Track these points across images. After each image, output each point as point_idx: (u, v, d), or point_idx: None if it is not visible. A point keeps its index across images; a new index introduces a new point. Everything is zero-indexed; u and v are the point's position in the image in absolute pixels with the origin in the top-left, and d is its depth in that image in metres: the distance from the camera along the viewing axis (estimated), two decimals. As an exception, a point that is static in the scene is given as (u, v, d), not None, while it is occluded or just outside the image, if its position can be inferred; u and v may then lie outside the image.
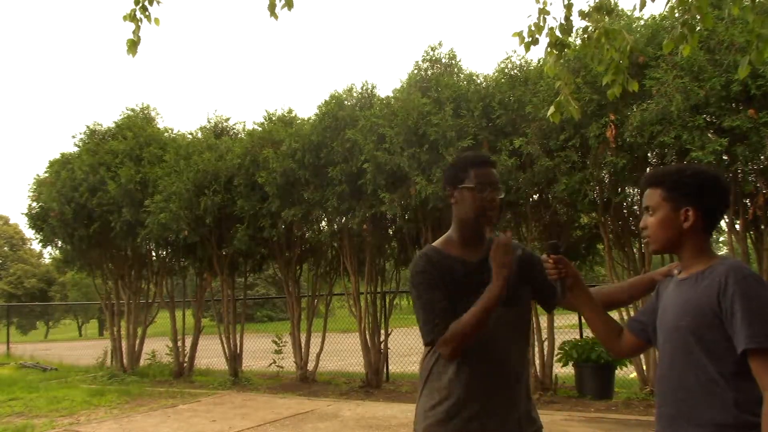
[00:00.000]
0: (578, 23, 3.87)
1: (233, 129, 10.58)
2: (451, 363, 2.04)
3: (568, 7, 3.72)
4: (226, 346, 10.00)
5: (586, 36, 3.78)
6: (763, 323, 1.60)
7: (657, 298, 1.95)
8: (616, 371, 7.46)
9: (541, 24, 3.77)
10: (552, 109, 3.84)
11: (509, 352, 2.09)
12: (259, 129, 9.20)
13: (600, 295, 2.16)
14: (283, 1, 3.68)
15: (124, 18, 3.68)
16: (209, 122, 10.48)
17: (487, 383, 2.02)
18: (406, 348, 11.24)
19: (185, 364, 10.56)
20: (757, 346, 1.59)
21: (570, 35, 3.86)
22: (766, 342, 1.59)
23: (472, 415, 2.01)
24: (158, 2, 3.68)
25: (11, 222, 48.46)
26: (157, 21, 3.74)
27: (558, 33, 3.77)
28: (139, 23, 3.70)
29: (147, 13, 3.70)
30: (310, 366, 9.53)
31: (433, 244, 2.20)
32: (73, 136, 12.22)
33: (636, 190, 7.05)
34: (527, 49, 3.85)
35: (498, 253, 1.96)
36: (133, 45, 3.74)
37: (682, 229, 1.81)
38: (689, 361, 1.73)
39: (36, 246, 40.32)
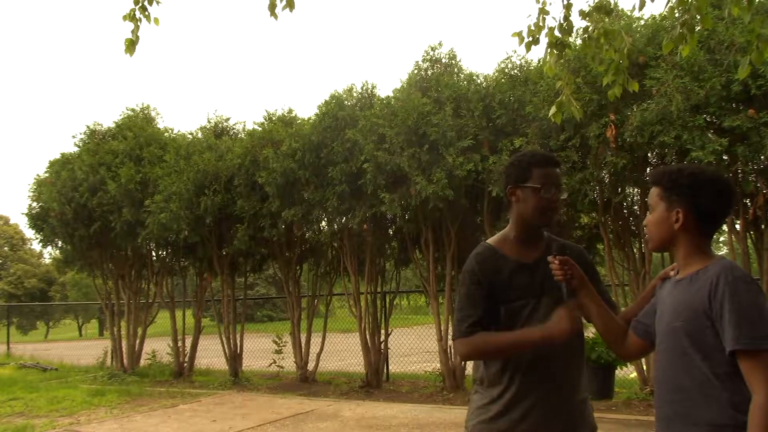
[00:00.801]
0: (579, 23, 3.87)
1: (233, 129, 10.58)
2: (503, 365, 2.04)
3: (568, 7, 3.72)
4: (226, 346, 10.00)
5: (586, 36, 3.78)
6: (750, 325, 1.61)
7: (656, 300, 1.96)
8: (617, 371, 7.45)
9: (541, 24, 3.77)
10: (554, 109, 3.83)
11: (568, 365, 2.08)
12: (259, 129, 9.20)
13: (621, 315, 2.15)
14: (284, 2, 3.68)
15: (124, 18, 3.68)
16: (209, 122, 10.48)
17: (540, 388, 2.02)
18: (406, 348, 11.24)
19: (185, 364, 10.56)
20: (742, 347, 1.61)
21: (570, 35, 3.86)
22: (752, 344, 1.60)
23: (522, 415, 2.01)
24: (158, 2, 3.68)
25: (11, 222, 48.46)
26: (156, 21, 3.74)
27: (557, 33, 3.77)
28: (139, 23, 3.70)
29: (147, 13, 3.70)
30: (311, 366, 9.53)
31: (489, 241, 2.19)
32: (74, 136, 12.23)
33: (636, 190, 7.05)
34: (527, 49, 3.84)
35: (570, 317, 1.93)
36: (131, 44, 3.74)
37: (673, 229, 1.83)
38: (684, 363, 1.74)
39: (36, 246, 40.31)
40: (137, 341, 10.97)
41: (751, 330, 1.61)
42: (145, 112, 11.18)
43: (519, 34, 3.83)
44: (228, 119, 10.62)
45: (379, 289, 9.19)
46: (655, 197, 1.88)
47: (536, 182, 2.05)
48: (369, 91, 8.38)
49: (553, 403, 2.03)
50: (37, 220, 10.82)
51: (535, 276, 2.07)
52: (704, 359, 1.70)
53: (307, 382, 9.36)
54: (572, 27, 3.80)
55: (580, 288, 1.98)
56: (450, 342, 8.08)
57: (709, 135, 5.76)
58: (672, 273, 1.94)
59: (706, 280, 1.72)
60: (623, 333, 2.00)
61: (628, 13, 6.70)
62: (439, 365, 8.21)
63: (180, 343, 10.61)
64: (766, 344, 1.60)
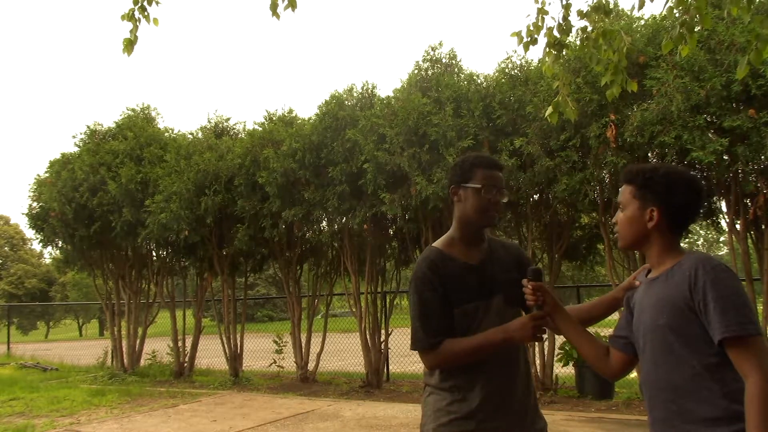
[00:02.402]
0: (578, 23, 3.87)
1: (234, 129, 10.59)
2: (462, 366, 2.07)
3: (567, 7, 3.72)
4: (226, 346, 10.00)
5: (585, 36, 3.78)
6: (736, 311, 1.61)
7: (628, 308, 1.95)
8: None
9: (540, 24, 3.77)
10: (550, 109, 3.84)
11: (517, 351, 2.13)
12: (260, 129, 9.21)
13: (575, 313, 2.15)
14: (286, 1, 3.68)
15: (122, 17, 3.69)
16: (210, 122, 10.49)
17: (498, 383, 2.06)
18: (407, 348, 11.18)
19: (186, 364, 10.57)
20: (732, 334, 1.60)
21: (569, 35, 3.86)
22: (741, 329, 1.59)
23: (485, 415, 2.03)
24: (157, 2, 3.68)
25: (12, 222, 48.51)
26: (156, 21, 3.74)
27: (556, 33, 3.77)
28: (138, 23, 3.71)
29: (146, 14, 3.70)
30: (311, 366, 9.54)
31: (435, 244, 2.20)
32: (74, 136, 12.22)
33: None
34: (526, 49, 3.85)
35: (535, 320, 1.96)
36: (129, 44, 3.74)
37: (647, 228, 1.83)
38: (672, 360, 1.73)
39: (36, 246, 40.38)
40: (137, 341, 10.97)
41: (737, 317, 1.60)
42: (146, 112, 11.19)
43: (518, 34, 3.83)
44: (228, 119, 10.65)
45: (379, 289, 9.19)
46: (628, 195, 1.87)
47: (478, 182, 2.09)
48: (369, 91, 8.38)
49: (515, 399, 2.08)
50: (37, 220, 10.82)
51: (483, 277, 2.10)
52: (692, 353, 1.68)
53: (307, 382, 9.36)
54: (571, 27, 3.80)
55: (553, 313, 1.97)
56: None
57: (710, 135, 5.76)
58: (637, 282, 1.95)
59: (683, 273, 1.71)
60: (604, 351, 1.97)
61: (628, 13, 6.70)
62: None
63: (180, 343, 10.62)
64: (753, 329, 1.60)
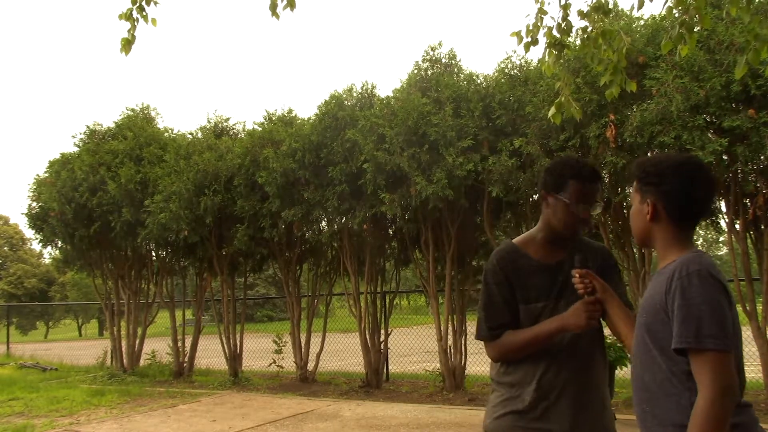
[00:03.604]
0: (578, 23, 3.87)
1: (233, 129, 10.59)
2: (523, 361, 2.04)
3: (566, 7, 3.71)
4: (226, 346, 10.00)
5: (585, 36, 3.77)
6: (696, 322, 1.52)
7: None
8: (617, 371, 7.44)
9: (540, 24, 3.77)
10: (553, 110, 3.83)
11: (591, 359, 2.06)
12: (259, 129, 9.21)
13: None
14: (285, 2, 3.68)
15: (120, 17, 3.69)
16: (209, 122, 10.49)
17: (559, 382, 2.00)
18: (406, 348, 11.24)
19: (185, 364, 10.56)
20: (684, 346, 1.53)
21: (568, 35, 3.85)
22: (695, 342, 1.51)
23: (538, 414, 1.99)
24: (155, 2, 3.68)
25: (11, 222, 48.49)
26: (154, 21, 3.74)
27: (556, 33, 3.77)
28: (136, 23, 3.71)
29: (144, 14, 3.70)
30: (310, 366, 9.54)
31: (515, 240, 2.19)
32: (73, 136, 12.21)
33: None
34: (526, 49, 3.84)
35: (589, 305, 1.93)
36: (127, 44, 3.74)
37: (646, 221, 1.75)
38: (647, 360, 1.68)
39: (36, 246, 40.37)
40: (137, 341, 10.97)
41: (696, 328, 1.52)
42: (145, 112, 11.19)
43: (518, 34, 3.83)
44: (228, 119, 10.65)
45: (379, 289, 9.19)
46: (633, 190, 1.83)
47: (568, 196, 2.02)
48: (369, 91, 8.38)
49: (578, 397, 2.01)
50: (37, 220, 10.82)
51: (557, 277, 2.06)
52: (663, 356, 1.62)
53: (306, 382, 9.36)
54: (571, 27, 3.80)
55: (604, 298, 1.93)
56: (450, 342, 8.09)
57: (709, 135, 5.76)
58: None
59: (667, 273, 1.64)
60: None
61: (628, 14, 6.69)
62: (438, 365, 8.21)
63: (180, 343, 10.61)
64: (711, 343, 1.50)
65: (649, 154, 6.58)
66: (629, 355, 1.95)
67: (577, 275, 1.96)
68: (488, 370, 2.26)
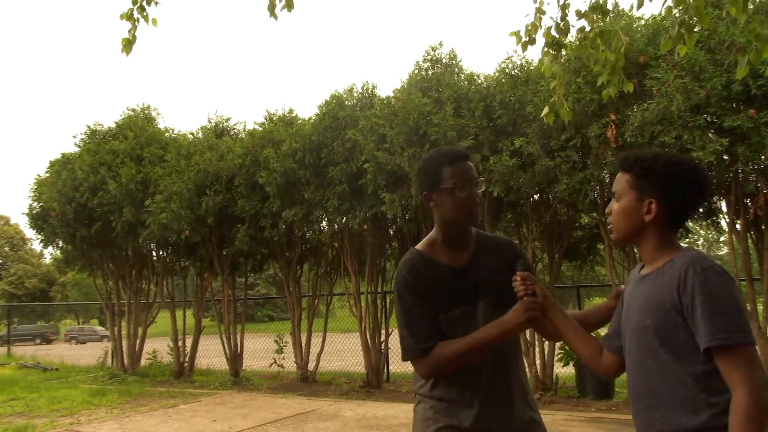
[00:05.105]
0: (576, 23, 3.87)
1: (234, 129, 10.60)
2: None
3: (564, 7, 3.71)
4: (226, 346, 10.01)
5: (582, 36, 3.78)
6: (724, 318, 1.48)
7: (621, 305, 1.84)
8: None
9: (538, 24, 3.77)
10: (546, 109, 3.84)
11: (510, 358, 2.02)
12: (260, 129, 9.22)
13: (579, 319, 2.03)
14: (283, 2, 3.68)
15: (121, 17, 3.69)
16: (210, 122, 10.51)
17: (490, 390, 1.94)
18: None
19: (186, 364, 10.57)
20: (718, 343, 1.48)
21: (567, 35, 3.85)
22: (729, 338, 1.47)
23: (476, 423, 1.93)
24: (156, 3, 3.68)
25: (12, 222, 48.57)
26: (154, 22, 3.74)
27: (554, 33, 3.77)
28: (136, 23, 3.71)
29: (145, 14, 3.70)
30: (311, 366, 9.54)
31: (417, 247, 2.08)
32: (74, 136, 12.27)
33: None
34: (524, 48, 3.84)
35: (529, 303, 1.85)
36: (128, 44, 3.74)
37: (644, 221, 1.69)
38: (656, 365, 1.61)
39: (37, 246, 40.43)
40: (138, 341, 10.97)
41: (726, 323, 1.47)
42: (146, 112, 11.20)
43: (516, 34, 3.83)
44: (228, 119, 10.66)
45: (379, 289, 9.19)
46: (624, 184, 1.73)
47: (448, 182, 1.95)
48: (369, 91, 8.39)
49: (510, 409, 1.97)
50: (37, 220, 10.83)
51: (469, 280, 1.98)
52: (677, 359, 1.56)
53: (307, 382, 9.36)
54: (569, 27, 3.80)
55: (544, 302, 1.87)
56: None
57: (710, 135, 5.76)
58: (636, 270, 1.83)
59: (674, 272, 1.58)
60: (598, 349, 1.86)
61: (629, 13, 6.69)
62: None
63: (180, 343, 10.62)
64: (742, 338, 1.47)
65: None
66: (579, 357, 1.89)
67: (519, 278, 1.88)
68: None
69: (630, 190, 1.71)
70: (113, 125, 10.89)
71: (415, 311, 1.94)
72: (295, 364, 9.69)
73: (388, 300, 9.35)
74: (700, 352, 1.52)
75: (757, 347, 1.57)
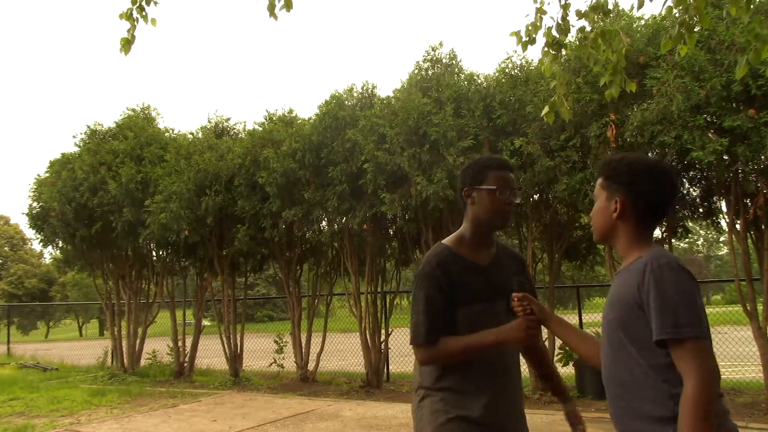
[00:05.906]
0: (577, 23, 3.87)
1: (234, 129, 10.59)
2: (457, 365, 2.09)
3: (565, 7, 3.71)
4: (226, 346, 10.00)
5: (583, 36, 3.77)
6: (673, 313, 1.57)
7: None
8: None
9: (538, 24, 3.77)
10: (546, 109, 3.85)
11: (512, 361, 2.17)
12: (260, 129, 9.21)
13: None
14: (282, 2, 3.68)
15: (121, 16, 3.69)
16: (210, 122, 10.49)
17: (495, 388, 2.08)
18: (407, 348, 11.18)
19: (186, 364, 10.57)
20: (665, 336, 1.57)
21: (567, 35, 3.85)
22: (675, 332, 1.56)
23: (484, 416, 2.04)
24: (155, 2, 3.68)
25: (12, 222, 48.55)
26: (153, 21, 3.74)
27: (555, 33, 3.77)
28: (135, 23, 3.71)
29: (144, 13, 3.70)
30: (311, 366, 9.54)
31: (445, 242, 2.20)
32: (74, 136, 12.26)
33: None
34: (524, 48, 3.85)
35: (529, 323, 2.00)
36: (127, 44, 3.74)
37: (613, 219, 1.80)
38: (622, 356, 1.71)
39: (37, 246, 40.47)
40: (137, 341, 10.97)
41: (674, 318, 1.57)
42: (146, 112, 11.20)
43: (517, 34, 3.83)
44: (228, 119, 10.65)
45: (379, 289, 9.19)
46: (598, 187, 1.87)
47: (492, 184, 2.10)
48: (369, 91, 8.38)
49: (513, 404, 2.13)
50: (37, 220, 10.83)
51: (489, 279, 2.12)
52: (640, 351, 1.66)
53: (307, 382, 9.36)
54: (569, 27, 3.80)
55: (543, 318, 2.01)
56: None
57: (710, 135, 5.76)
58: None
59: (637, 269, 1.68)
60: (598, 348, 1.94)
61: (629, 13, 6.69)
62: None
63: (180, 343, 10.62)
64: (689, 332, 1.56)
65: (649, 155, 6.59)
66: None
67: (516, 299, 2.02)
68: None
69: (602, 192, 1.86)
70: (113, 125, 10.89)
71: (433, 303, 2.06)
72: (295, 364, 9.69)
73: (388, 300, 9.35)
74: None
75: (708, 342, 1.63)
